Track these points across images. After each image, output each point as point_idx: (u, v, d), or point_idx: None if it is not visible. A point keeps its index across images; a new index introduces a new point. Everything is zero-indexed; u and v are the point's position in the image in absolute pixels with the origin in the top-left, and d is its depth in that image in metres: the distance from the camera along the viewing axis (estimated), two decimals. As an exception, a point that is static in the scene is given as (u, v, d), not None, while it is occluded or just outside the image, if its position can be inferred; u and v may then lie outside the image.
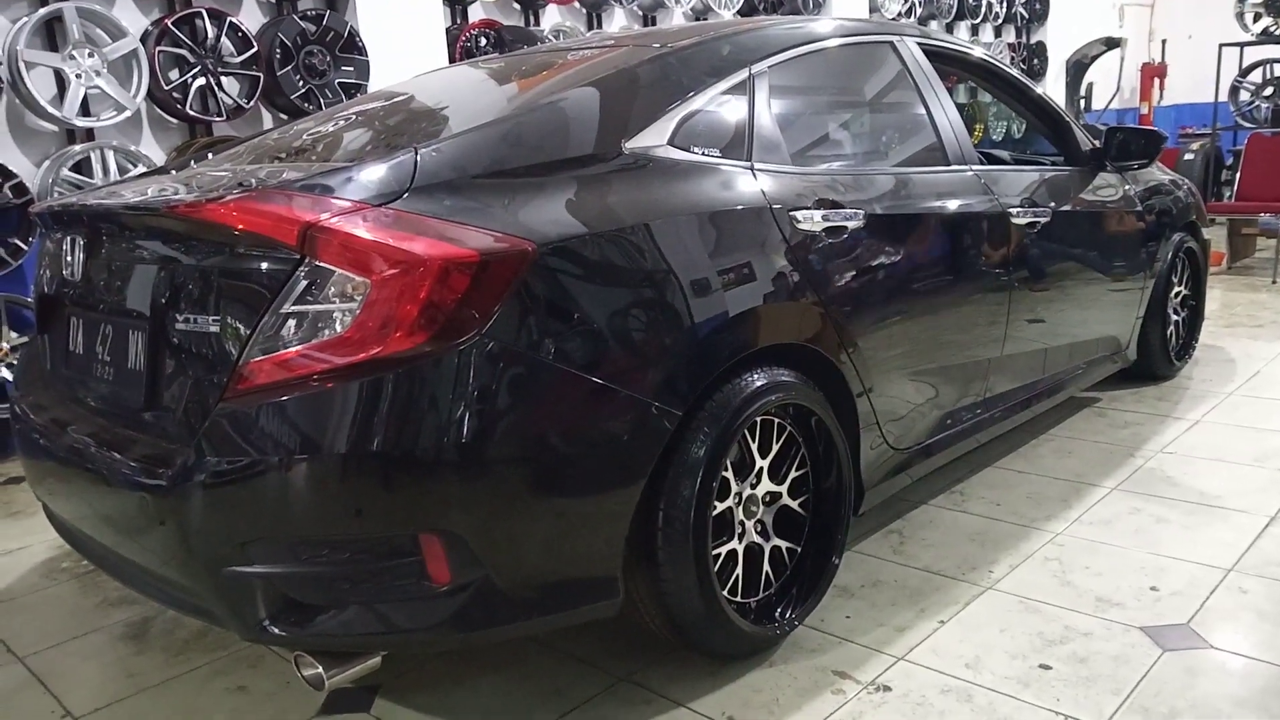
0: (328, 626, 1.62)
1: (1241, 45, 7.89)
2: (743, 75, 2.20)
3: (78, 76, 3.82)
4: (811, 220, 2.13)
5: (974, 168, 2.77)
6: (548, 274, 1.67)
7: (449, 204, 1.66)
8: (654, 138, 1.98)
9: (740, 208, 2.01)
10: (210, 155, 2.47)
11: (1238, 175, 6.32)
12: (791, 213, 2.10)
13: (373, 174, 1.68)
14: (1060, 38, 9.87)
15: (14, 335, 3.79)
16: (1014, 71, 3.24)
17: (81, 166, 3.87)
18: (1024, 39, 9.74)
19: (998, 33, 9.35)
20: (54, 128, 3.91)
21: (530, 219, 1.71)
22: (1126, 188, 3.51)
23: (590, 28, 5.83)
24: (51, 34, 3.83)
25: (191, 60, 4.11)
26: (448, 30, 5.11)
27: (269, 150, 2.27)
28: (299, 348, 1.57)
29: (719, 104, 2.14)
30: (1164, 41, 11.10)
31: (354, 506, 1.58)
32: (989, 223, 2.73)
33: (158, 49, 4.02)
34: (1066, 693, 1.91)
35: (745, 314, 1.95)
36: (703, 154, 2.04)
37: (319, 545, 1.61)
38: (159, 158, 4.15)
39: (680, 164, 1.99)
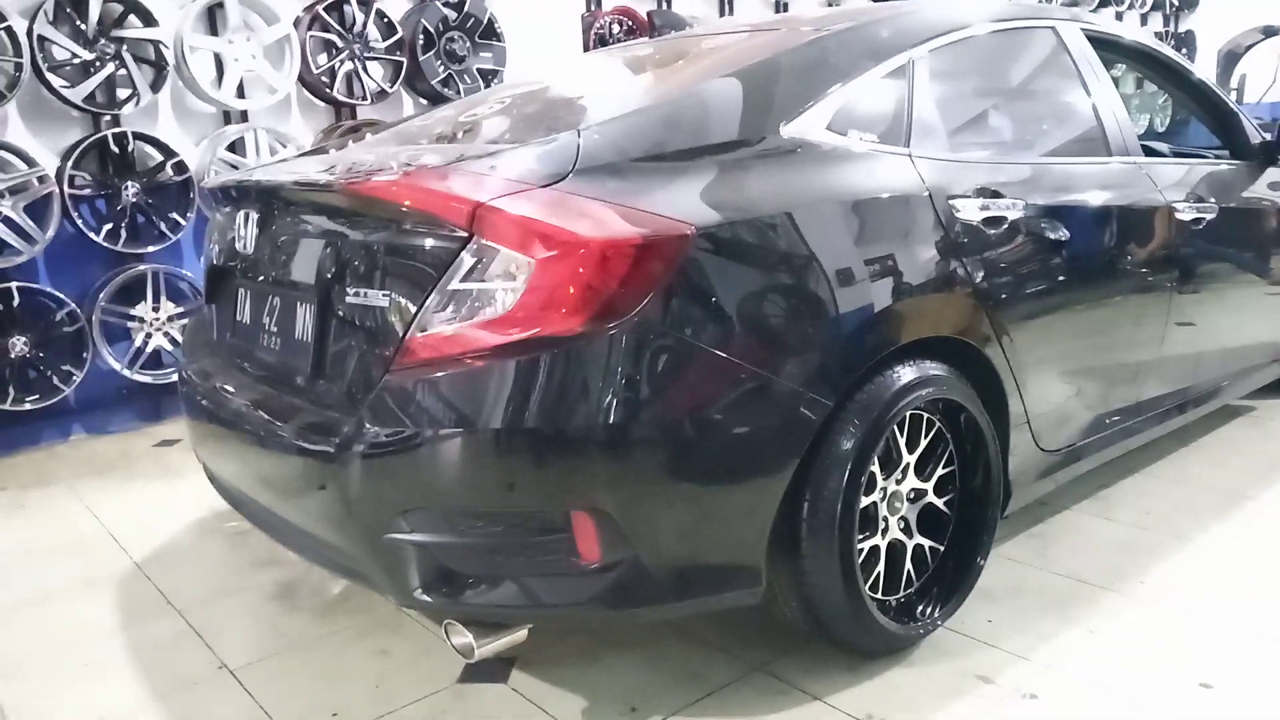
0: (479, 597, 1.66)
1: None
2: (902, 60, 2.14)
3: (235, 60, 4.00)
4: (970, 209, 2.06)
5: (1137, 159, 2.64)
6: (705, 257, 1.66)
7: (611, 186, 1.67)
8: (812, 122, 1.94)
9: (898, 195, 1.96)
10: (365, 136, 2.55)
11: None
12: (950, 201, 2.03)
13: (538, 155, 1.70)
14: (1212, 26, 9.32)
15: (170, 305, 4.01)
16: (1181, 60, 3.07)
17: (235, 146, 4.06)
18: (1172, 27, 9.24)
19: (1144, 20, 8.90)
20: (211, 109, 4.11)
21: (688, 202, 1.70)
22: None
23: (721, 14, 5.79)
24: (213, 19, 4.02)
25: (340, 45, 4.26)
26: (582, 17, 5.16)
27: (426, 132, 2.33)
28: (463, 324, 1.60)
29: (877, 89, 2.09)
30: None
31: (509, 481, 1.61)
32: (1151, 218, 2.59)
33: (309, 34, 4.17)
34: (1231, 714, 1.81)
35: (900, 304, 1.90)
36: (860, 139, 2.00)
37: (474, 517, 1.65)
38: (306, 139, 4.32)
39: (838, 149, 1.95)
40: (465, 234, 1.60)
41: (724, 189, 1.76)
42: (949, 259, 2.01)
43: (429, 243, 1.64)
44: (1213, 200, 2.84)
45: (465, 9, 4.54)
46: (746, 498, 1.74)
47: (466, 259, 1.60)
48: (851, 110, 2.02)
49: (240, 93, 4.08)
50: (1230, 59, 9.21)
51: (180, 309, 4.00)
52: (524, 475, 1.61)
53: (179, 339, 3.97)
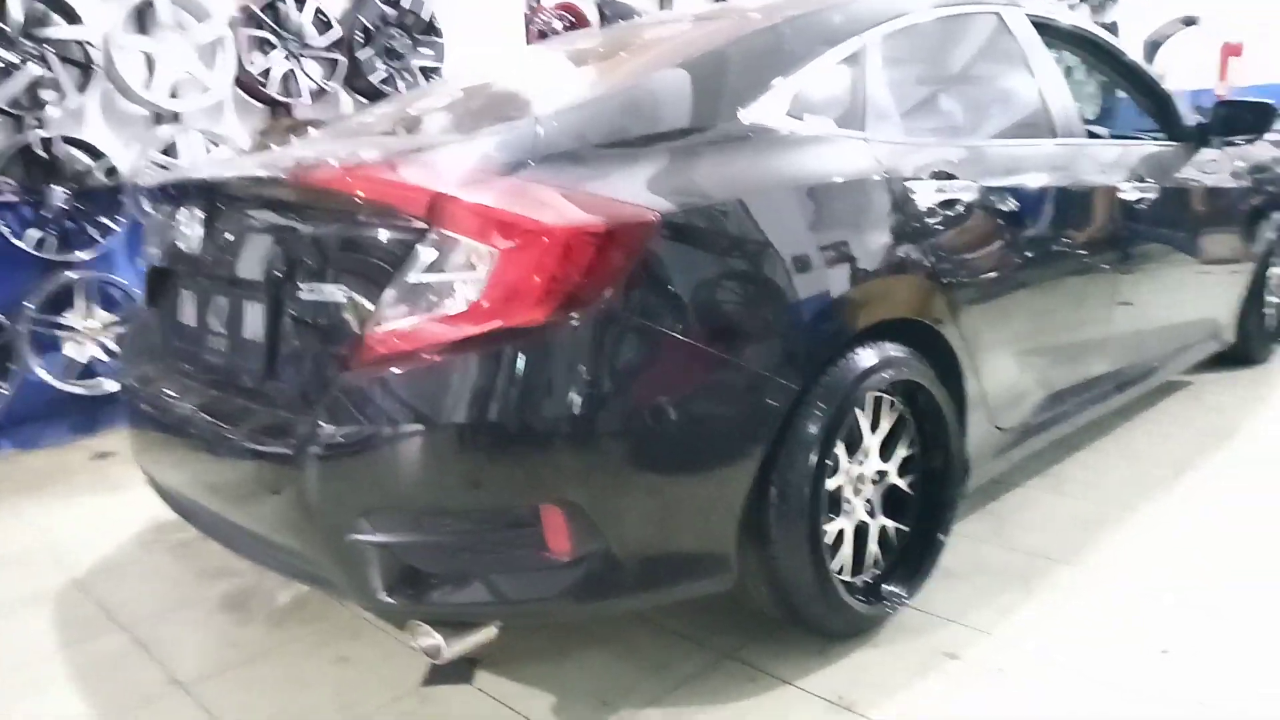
0: (447, 597, 1.62)
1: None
2: (855, 45, 2.15)
3: (167, 60, 3.88)
4: (926, 192, 2.08)
5: (1082, 141, 2.69)
6: (669, 244, 1.65)
7: (572, 173, 1.65)
8: (770, 107, 1.94)
9: (857, 179, 1.97)
10: (305, 135, 2.49)
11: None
12: (906, 184, 2.05)
13: (496, 144, 1.67)
14: (1135, 17, 9.59)
15: (104, 314, 3.88)
16: (1119, 44, 3.14)
17: (169, 149, 3.94)
18: (1098, 18, 9.48)
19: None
20: (143, 111, 3.98)
21: (652, 188, 1.69)
22: (1232, 165, 3.39)
23: (661, 6, 5.78)
24: (142, 18, 3.89)
25: (276, 44, 4.16)
26: (524, 13, 5.11)
27: (373, 127, 2.28)
28: (424, 317, 1.57)
29: (832, 74, 2.09)
30: (1240, 20, 10.74)
31: (477, 476, 1.58)
32: (1097, 198, 2.65)
33: (243, 32, 4.07)
34: (1191, 678, 1.85)
35: (863, 287, 1.91)
36: (818, 124, 2.00)
37: (440, 515, 1.61)
38: (243, 140, 4.21)
39: (796, 134, 1.95)
40: (423, 225, 1.56)
41: (686, 175, 1.75)
42: (907, 241, 2.02)
43: (386, 235, 1.60)
44: (1152, 181, 2.91)
45: (404, 6, 4.46)
46: (717, 484, 1.73)
47: (425, 251, 1.57)
48: (808, 95, 2.02)
49: (173, 93, 3.96)
50: (1152, 48, 9.49)
51: (114, 317, 3.87)
52: (491, 470, 1.58)
53: (114, 348, 3.84)
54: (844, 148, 2.01)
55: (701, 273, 1.69)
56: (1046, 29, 2.79)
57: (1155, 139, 3.20)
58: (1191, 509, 2.61)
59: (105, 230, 3.81)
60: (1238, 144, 3.36)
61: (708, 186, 1.75)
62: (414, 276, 1.57)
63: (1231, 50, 10.55)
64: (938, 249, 2.09)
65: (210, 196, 1.95)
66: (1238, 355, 3.80)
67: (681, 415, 1.66)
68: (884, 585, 2.07)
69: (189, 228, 1.96)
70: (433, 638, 1.66)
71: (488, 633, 1.70)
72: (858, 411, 1.96)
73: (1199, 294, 3.27)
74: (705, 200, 1.71)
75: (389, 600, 1.62)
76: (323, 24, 4.29)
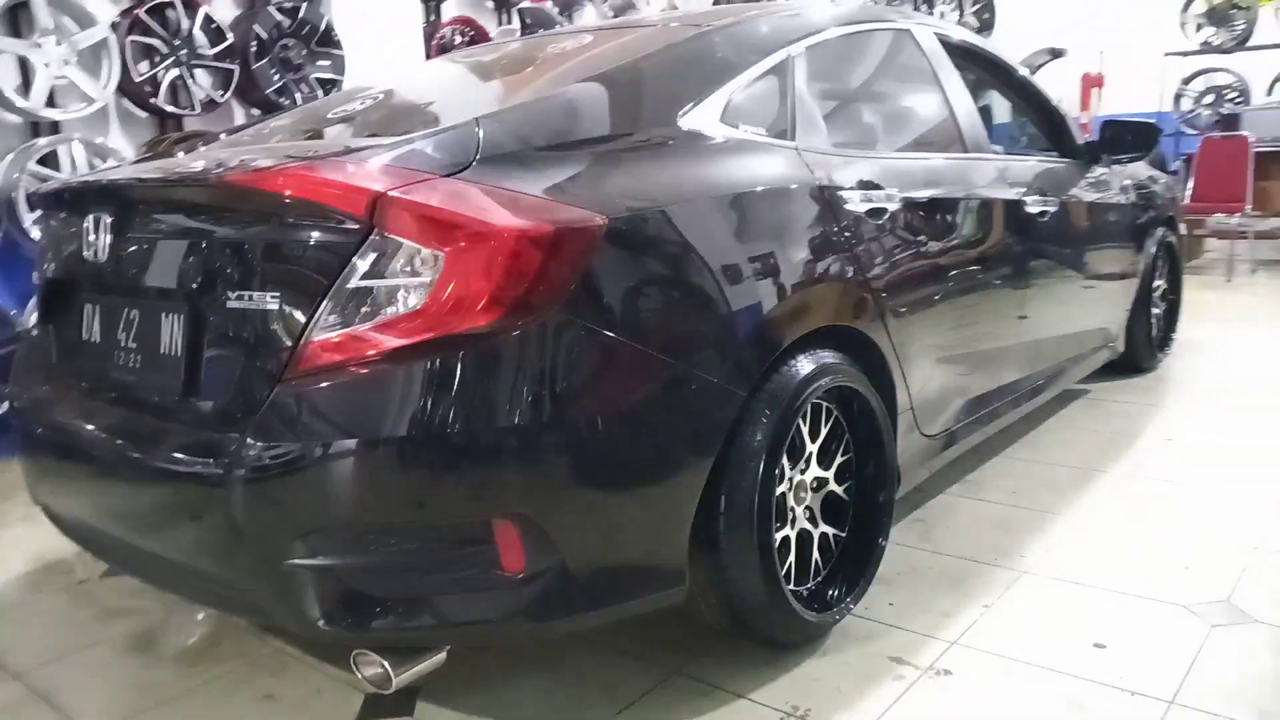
0: (395, 621, 1.53)
1: (1185, 54, 8.17)
2: (783, 55, 2.17)
3: (45, 65, 3.64)
4: (855, 200, 2.11)
5: (989, 157, 2.78)
6: (616, 249, 1.62)
7: (516, 176, 1.59)
8: (706, 114, 1.93)
9: (793, 186, 1.98)
10: (196, 148, 2.35)
11: (1191, 178, 6.51)
12: (838, 193, 2.07)
13: (435, 144, 1.60)
14: (1005, 48, 10.07)
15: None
16: (1019, 67, 3.27)
17: (48, 160, 3.68)
18: (973, 48, 9.91)
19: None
20: (18, 119, 3.72)
21: (596, 192, 1.65)
22: (1120, 182, 3.57)
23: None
24: (16, 21, 3.64)
25: (164, 52, 3.96)
26: (423, 27, 5.01)
27: (284, 133, 2.17)
28: (366, 325, 1.48)
29: (763, 84, 2.10)
30: (1101, 52, 11.45)
31: (424, 492, 1.50)
32: (1006, 210, 2.74)
33: (129, 39, 3.85)
34: (1128, 670, 1.91)
35: (804, 292, 1.91)
36: (751, 132, 2.00)
37: (386, 535, 1.52)
38: (129, 152, 3.97)
39: (732, 141, 1.95)
40: (365, 227, 1.48)
41: (629, 180, 1.72)
42: (841, 249, 2.04)
43: (323, 238, 1.51)
44: (1053, 196, 3.03)
45: (301, 15, 4.31)
46: (669, 492, 1.69)
47: (366, 254, 1.48)
48: (740, 104, 2.03)
49: (51, 101, 3.71)
50: (1023, 78, 9.98)
51: (-8, 341, 3.58)
52: (441, 485, 1.50)
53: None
54: (778, 156, 2.02)
55: (647, 279, 1.66)
56: (953, 48, 2.88)
57: (1047, 157, 3.34)
58: (1101, 508, 2.71)
59: (-25, 247, 3.53)
60: (1122, 163, 3.54)
61: (651, 191, 1.72)
62: (354, 282, 1.48)
63: (1094, 82, 11.23)
64: (867, 257, 2.11)
65: (117, 200, 1.80)
66: (1129, 364, 4.00)
67: (631, 422, 1.62)
68: (828, 591, 2.06)
69: (95, 235, 1.81)
70: (378, 667, 1.56)
71: (437, 657, 1.61)
72: (799, 419, 1.95)
73: (1095, 303, 3.42)
74: (649, 205, 1.69)
75: (330, 628, 1.52)
76: (214, 32, 4.10)
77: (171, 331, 1.69)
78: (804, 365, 1.92)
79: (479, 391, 1.48)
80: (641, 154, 1.79)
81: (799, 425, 1.96)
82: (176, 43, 3.99)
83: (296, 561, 1.49)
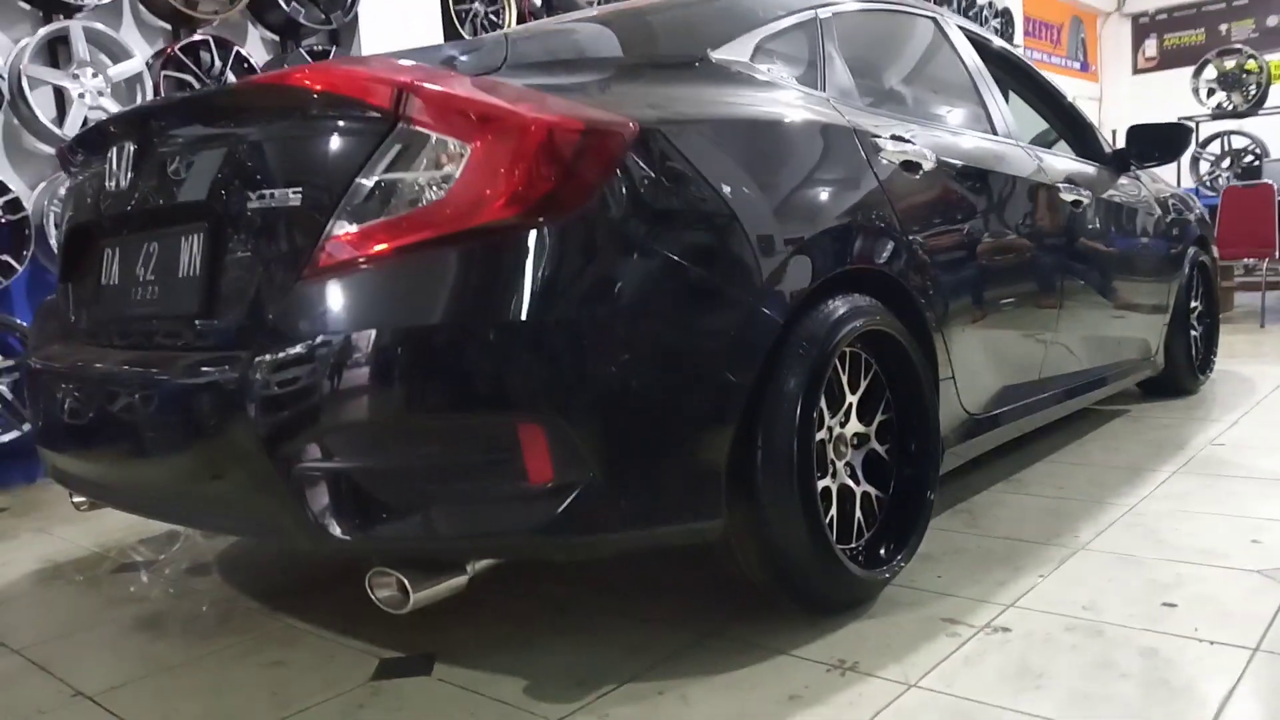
0: (414, 529, 1.44)
1: (1197, 120, 8.24)
2: (809, 15, 2.17)
3: (80, 96, 3.72)
4: (890, 150, 2.07)
5: (1021, 144, 2.75)
6: (650, 154, 1.57)
7: (544, 81, 1.57)
8: (737, 53, 1.92)
9: (827, 124, 1.94)
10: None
11: (1216, 227, 6.47)
12: (872, 139, 2.03)
13: (463, 50, 1.59)
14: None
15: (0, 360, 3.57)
16: (1043, 73, 3.28)
17: (79, 187, 3.72)
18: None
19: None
20: (52, 149, 3.78)
21: (626, 102, 1.62)
22: (1151, 193, 3.53)
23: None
24: (54, 53, 3.75)
25: (196, 87, 4.04)
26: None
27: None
28: (388, 218, 1.44)
29: (792, 36, 2.10)
30: (1114, 131, 11.63)
31: (444, 390, 1.42)
32: (1042, 195, 2.70)
33: (163, 74, 3.95)
34: (1203, 624, 1.76)
35: (840, 228, 1.86)
36: (781, 76, 1.99)
37: (406, 435, 1.44)
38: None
39: (764, 79, 1.92)
40: (389, 119, 1.45)
41: (660, 95, 1.69)
42: (876, 194, 1.99)
43: (346, 132, 1.48)
44: (1086, 191, 2.99)
45: (330, 56, 4.42)
46: (703, 415, 1.60)
47: (390, 147, 1.45)
48: (771, 49, 2.02)
49: (85, 131, 3.77)
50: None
51: (10, 362, 3.56)
52: (460, 383, 1.42)
53: (8, 395, 3.52)
54: (810, 98, 2.00)
55: (679, 189, 1.61)
56: (976, 44, 2.89)
57: (1077, 159, 3.30)
58: (1158, 496, 2.58)
59: (6, 269, 3.55)
60: (1155, 166, 3.49)
61: (683, 107, 1.69)
62: (378, 174, 1.45)
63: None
64: (903, 208, 2.06)
65: (146, 125, 1.79)
66: (1170, 386, 3.88)
67: (663, 333, 1.55)
68: (877, 550, 1.94)
69: (118, 166, 1.78)
70: (390, 588, 1.46)
71: (457, 580, 1.50)
72: (836, 364, 1.87)
73: (1132, 309, 3.33)
74: (681, 117, 1.65)
75: (344, 536, 1.42)
76: (246, 71, 4.20)
77: (190, 253, 1.65)
78: (840, 306, 1.85)
79: (501, 287, 1.42)
80: (672, 74, 1.77)
81: (837, 369, 1.88)
82: (209, 80, 4.08)
83: (310, 464, 1.41)
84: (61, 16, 3.72)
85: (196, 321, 1.61)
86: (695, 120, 1.66)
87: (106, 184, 1.83)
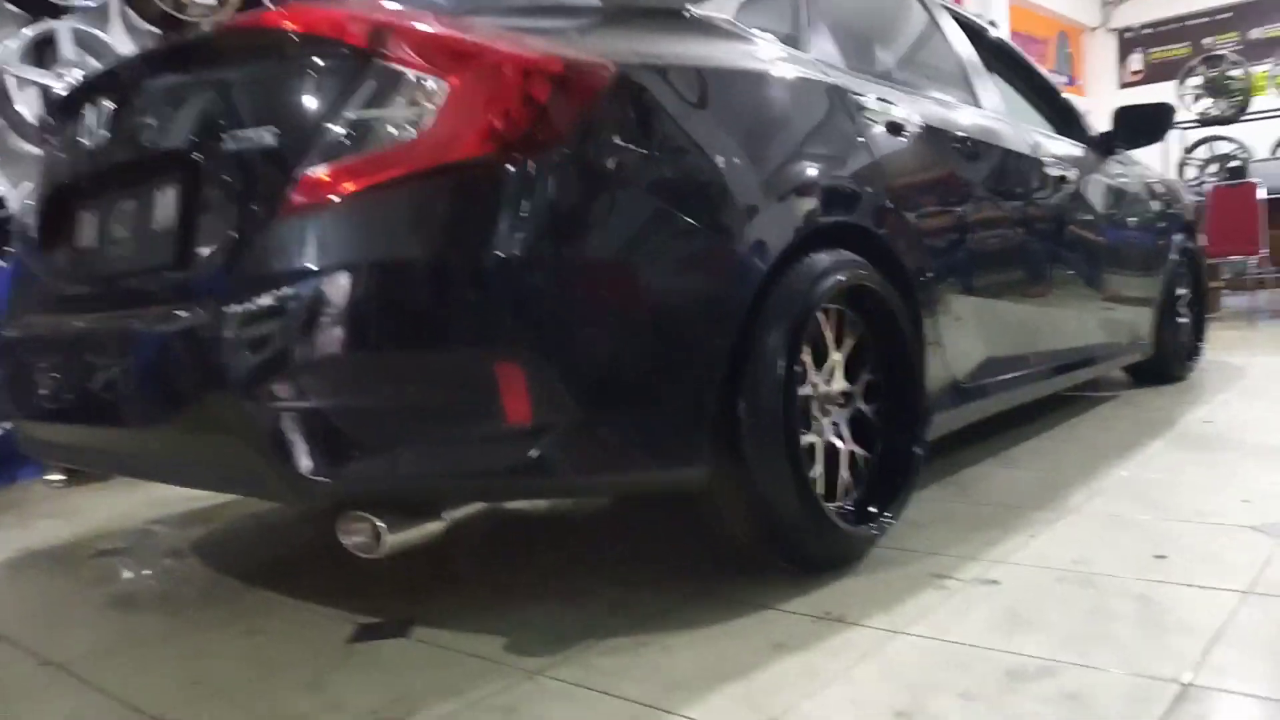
0: (389, 468, 1.41)
1: (1184, 126, 8.30)
2: (790, -21, 2.17)
3: (65, 95, 3.71)
4: (874, 110, 2.06)
5: (1007, 119, 2.75)
6: (629, 96, 1.56)
7: (520, 23, 1.56)
8: (717, 9, 1.91)
9: (812, 80, 1.94)
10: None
11: (1204, 225, 6.49)
12: (856, 98, 2.03)
13: (439, -8, 1.58)
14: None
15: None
16: (1028, 57, 3.30)
17: (63, 186, 3.71)
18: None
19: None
20: (39, 150, 3.77)
21: (605, 45, 1.61)
22: (1136, 176, 3.53)
23: None
24: (41, 53, 3.74)
25: (182, 87, 4.04)
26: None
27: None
28: (363, 155, 1.42)
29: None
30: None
31: (425, 326, 1.40)
32: (1029, 165, 2.70)
33: (148, 74, 3.94)
34: (1195, 572, 1.73)
35: (823, 180, 1.86)
36: (763, 34, 1.98)
37: (380, 374, 1.41)
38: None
39: (746, 34, 1.92)
40: (365, 58, 1.44)
41: (640, 41, 1.68)
42: (860, 150, 1.98)
43: (322, 71, 1.47)
44: (1072, 169, 2.99)
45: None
46: (686, 356, 1.58)
47: (365, 84, 1.44)
48: (753, 8, 2.01)
49: (69, 131, 3.76)
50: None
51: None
52: (441, 319, 1.40)
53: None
54: (793, 56, 1.99)
55: (658, 131, 1.60)
56: (960, 22, 2.89)
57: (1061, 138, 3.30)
58: (1150, 465, 2.56)
59: (-14, 268, 3.52)
60: (1142, 144, 3.48)
61: (663, 53, 1.68)
62: (354, 112, 1.43)
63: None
64: (888, 166, 2.05)
65: (125, 81, 1.77)
66: (1160, 373, 3.87)
67: (643, 273, 1.53)
68: (865, 509, 1.91)
69: (95, 122, 1.77)
70: (365, 531, 1.42)
71: (433, 526, 1.47)
72: (822, 319, 1.85)
73: (1122, 290, 3.33)
74: (661, 63, 1.64)
75: (318, 478, 1.39)
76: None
77: (165, 205, 1.63)
78: (824, 259, 1.84)
79: (475, 224, 1.41)
80: (654, 22, 1.76)
81: (821, 325, 1.86)
82: (195, 81, 4.07)
83: (283, 404, 1.39)
84: (48, 18, 3.72)
85: (171, 272, 1.59)
86: (677, 67, 1.66)
87: (82, 146, 1.81)
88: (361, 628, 1.77)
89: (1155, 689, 1.31)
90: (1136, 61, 12.24)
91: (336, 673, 1.59)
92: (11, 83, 3.56)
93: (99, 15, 3.93)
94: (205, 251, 1.53)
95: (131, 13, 4.05)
